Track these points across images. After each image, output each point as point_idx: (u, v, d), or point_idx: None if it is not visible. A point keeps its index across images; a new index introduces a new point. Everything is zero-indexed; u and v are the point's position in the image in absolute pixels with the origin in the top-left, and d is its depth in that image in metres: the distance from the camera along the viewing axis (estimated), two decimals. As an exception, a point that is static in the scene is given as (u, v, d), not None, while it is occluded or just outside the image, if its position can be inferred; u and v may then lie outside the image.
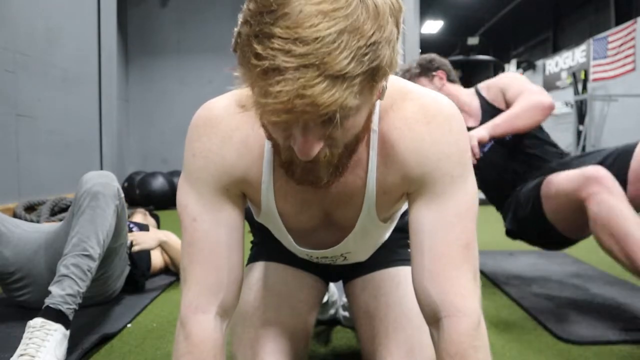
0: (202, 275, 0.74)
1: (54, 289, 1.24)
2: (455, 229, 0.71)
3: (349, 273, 1.10)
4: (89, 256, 1.31)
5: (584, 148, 7.62)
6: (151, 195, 4.18)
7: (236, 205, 0.77)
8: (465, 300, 0.69)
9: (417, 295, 0.73)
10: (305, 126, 0.55)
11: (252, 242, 1.18)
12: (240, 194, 0.79)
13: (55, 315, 1.19)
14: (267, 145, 0.74)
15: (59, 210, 3.21)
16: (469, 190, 0.72)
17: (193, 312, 0.73)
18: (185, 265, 0.76)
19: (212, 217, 0.75)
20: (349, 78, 0.50)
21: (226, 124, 0.74)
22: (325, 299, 1.42)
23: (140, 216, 2.31)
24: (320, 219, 0.83)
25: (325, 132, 0.57)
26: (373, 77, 0.53)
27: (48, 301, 1.21)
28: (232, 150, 0.74)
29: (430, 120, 0.70)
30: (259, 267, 1.07)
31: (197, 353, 0.71)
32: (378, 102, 0.72)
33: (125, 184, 4.43)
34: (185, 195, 0.77)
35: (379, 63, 0.52)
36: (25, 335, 1.15)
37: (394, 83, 0.75)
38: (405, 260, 1.08)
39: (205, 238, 0.75)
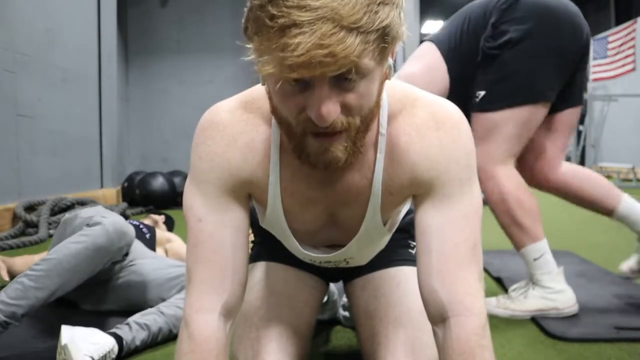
0: (206, 276, 0.75)
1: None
2: (464, 230, 0.72)
3: (349, 273, 1.10)
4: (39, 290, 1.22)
5: (584, 148, 7.62)
6: (151, 195, 4.17)
7: (241, 207, 0.78)
8: (473, 299, 0.70)
9: (424, 294, 0.74)
10: (322, 86, 0.57)
11: (253, 241, 1.18)
12: (246, 195, 0.79)
13: None
14: (274, 145, 0.75)
15: (59, 210, 3.21)
16: (475, 193, 0.74)
17: (196, 311, 0.73)
18: (190, 265, 0.76)
19: (217, 218, 0.75)
20: (364, 33, 0.54)
21: (231, 128, 0.75)
22: (325, 299, 1.42)
23: (150, 222, 2.27)
24: (325, 218, 0.83)
25: (341, 96, 0.59)
26: (384, 38, 0.56)
27: None
28: (237, 154, 0.75)
29: (440, 127, 0.73)
30: (260, 267, 1.07)
31: (200, 352, 0.71)
32: (386, 105, 0.74)
33: (125, 184, 4.43)
34: (191, 197, 0.77)
35: (389, 23, 0.56)
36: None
37: (402, 88, 0.77)
38: (405, 260, 1.08)
39: (210, 239, 0.75)
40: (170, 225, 2.40)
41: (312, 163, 0.66)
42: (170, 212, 2.83)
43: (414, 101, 0.75)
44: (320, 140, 0.63)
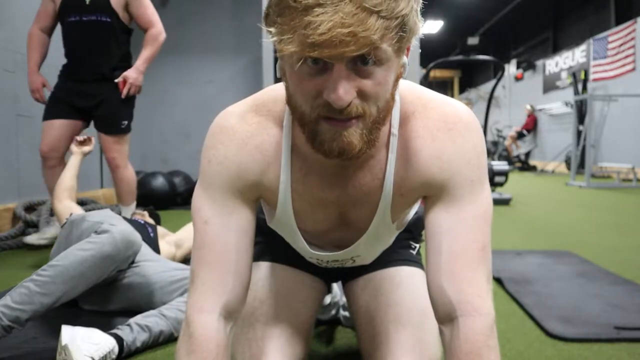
0: (208, 277, 0.75)
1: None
2: (473, 231, 0.72)
3: (349, 273, 1.10)
4: (44, 294, 1.23)
5: (584, 148, 7.62)
6: (151, 195, 4.16)
7: (249, 210, 0.78)
8: (482, 300, 0.71)
9: (432, 294, 0.74)
10: (340, 68, 0.58)
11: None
12: (255, 198, 0.79)
13: None
14: (285, 147, 0.76)
15: (59, 210, 3.20)
16: (485, 193, 0.75)
17: (198, 312, 0.74)
18: (194, 267, 0.77)
19: (223, 221, 0.76)
20: (384, 18, 0.55)
21: (242, 132, 0.76)
22: (328, 301, 1.42)
23: (139, 217, 2.31)
24: (336, 218, 0.83)
25: (358, 81, 0.60)
26: (402, 27, 0.58)
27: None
28: (247, 157, 0.75)
29: (451, 128, 0.73)
30: (259, 267, 1.07)
31: (200, 353, 0.71)
32: (398, 105, 0.74)
33: (125, 184, 4.43)
34: (199, 200, 0.77)
35: (408, 13, 0.57)
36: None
37: (413, 89, 0.78)
38: (406, 261, 1.08)
39: (215, 241, 0.75)
40: (155, 219, 2.42)
41: (326, 150, 0.65)
42: (170, 212, 2.83)
43: (426, 103, 0.75)
44: (334, 126, 0.62)
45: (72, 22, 2.43)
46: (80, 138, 2.33)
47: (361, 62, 0.58)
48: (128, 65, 2.61)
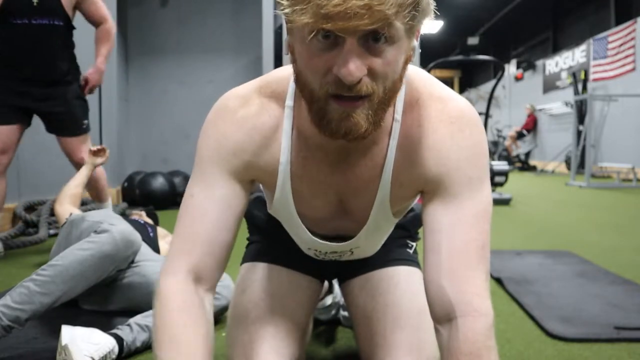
0: (180, 243, 0.74)
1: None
2: (473, 230, 0.71)
3: (345, 272, 1.10)
4: (45, 294, 1.23)
5: (584, 148, 7.61)
6: (151, 195, 4.17)
7: (240, 189, 0.77)
8: (481, 299, 0.70)
9: (431, 293, 0.72)
10: (352, 44, 0.57)
11: (248, 238, 1.18)
12: (249, 180, 0.79)
13: None
14: (286, 128, 0.75)
15: (59, 210, 3.20)
16: (485, 192, 0.74)
17: (164, 276, 0.73)
18: (172, 238, 0.77)
19: (208, 194, 0.75)
20: None
21: (243, 112, 0.76)
22: (329, 302, 1.42)
23: (137, 217, 2.30)
24: (335, 205, 0.83)
25: (368, 59, 0.59)
26: (416, 7, 0.57)
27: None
28: (246, 137, 0.75)
29: (453, 122, 0.72)
30: (255, 269, 1.06)
31: (165, 313, 0.70)
32: (403, 93, 0.74)
33: (125, 184, 4.43)
34: (191, 180, 0.77)
35: None
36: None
37: (421, 76, 0.77)
38: (404, 260, 1.08)
39: (195, 212, 0.75)
40: (154, 219, 2.42)
41: (333, 131, 0.64)
42: (170, 212, 2.83)
43: (433, 92, 0.75)
44: (342, 105, 0.62)
45: (18, 25, 2.23)
46: (94, 148, 2.31)
47: (373, 40, 0.58)
48: (75, 64, 2.52)
